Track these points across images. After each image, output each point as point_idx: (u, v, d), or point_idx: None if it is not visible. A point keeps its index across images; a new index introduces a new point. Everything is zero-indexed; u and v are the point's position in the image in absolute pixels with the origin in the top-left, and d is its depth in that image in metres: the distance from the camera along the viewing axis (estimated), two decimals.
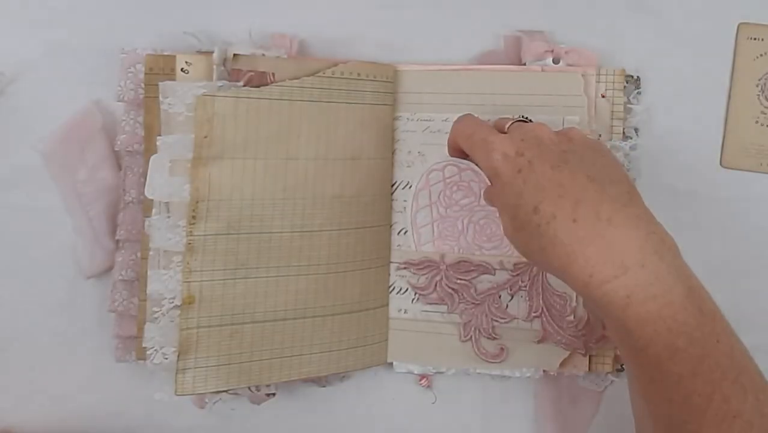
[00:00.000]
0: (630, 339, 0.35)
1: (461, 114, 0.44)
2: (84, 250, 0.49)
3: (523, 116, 0.44)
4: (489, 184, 0.40)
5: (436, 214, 0.48)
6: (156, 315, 0.43)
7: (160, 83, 0.43)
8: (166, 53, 0.47)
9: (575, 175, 0.36)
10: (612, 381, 0.49)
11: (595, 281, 0.35)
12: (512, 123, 0.41)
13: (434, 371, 0.49)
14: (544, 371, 0.48)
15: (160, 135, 0.43)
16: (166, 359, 0.43)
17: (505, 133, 0.40)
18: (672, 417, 0.35)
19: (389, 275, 0.49)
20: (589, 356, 0.47)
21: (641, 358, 0.35)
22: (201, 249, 0.43)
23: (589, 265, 0.35)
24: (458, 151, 0.44)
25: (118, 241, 0.48)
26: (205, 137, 0.42)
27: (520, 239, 0.38)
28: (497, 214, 0.40)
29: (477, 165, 0.42)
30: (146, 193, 0.43)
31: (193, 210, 0.42)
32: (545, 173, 0.37)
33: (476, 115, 0.43)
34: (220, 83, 0.43)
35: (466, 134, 0.42)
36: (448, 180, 0.48)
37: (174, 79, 0.44)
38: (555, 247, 0.36)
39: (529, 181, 0.37)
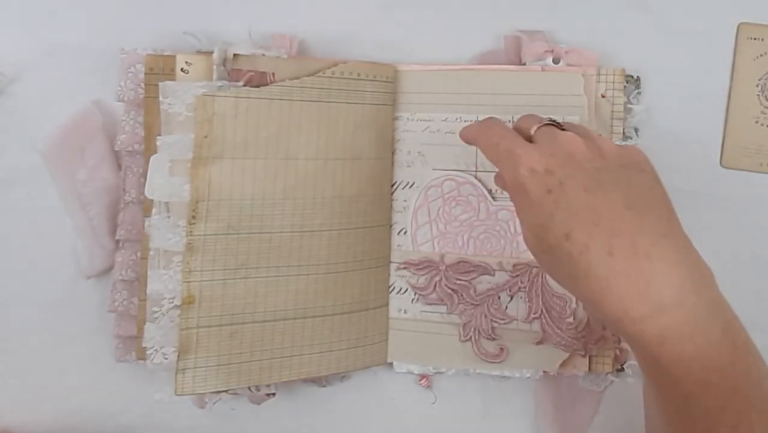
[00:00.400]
0: (661, 375, 0.34)
1: (488, 117, 0.40)
2: (84, 250, 0.49)
3: (551, 119, 0.39)
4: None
5: (435, 231, 0.48)
6: (156, 315, 0.43)
7: (160, 83, 0.43)
8: (166, 53, 0.47)
9: (610, 201, 0.34)
10: (612, 381, 0.48)
11: (629, 318, 0.33)
12: (539, 127, 0.38)
13: (434, 371, 0.49)
14: (544, 371, 0.48)
15: (160, 135, 0.43)
16: (166, 359, 0.43)
17: (529, 136, 0.38)
18: None
19: (389, 275, 0.49)
20: (589, 357, 0.47)
21: (671, 391, 0.34)
22: (201, 249, 0.43)
23: (623, 302, 0.33)
24: (469, 142, 0.41)
25: (118, 241, 0.48)
26: (205, 137, 0.42)
27: (547, 261, 0.36)
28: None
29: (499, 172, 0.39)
30: (146, 193, 0.43)
31: (193, 210, 0.42)
32: (578, 197, 0.34)
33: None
34: (220, 83, 0.43)
35: (492, 143, 0.38)
36: (446, 196, 0.48)
37: (174, 79, 0.44)
38: (588, 279, 0.34)
39: (561, 203, 0.34)
